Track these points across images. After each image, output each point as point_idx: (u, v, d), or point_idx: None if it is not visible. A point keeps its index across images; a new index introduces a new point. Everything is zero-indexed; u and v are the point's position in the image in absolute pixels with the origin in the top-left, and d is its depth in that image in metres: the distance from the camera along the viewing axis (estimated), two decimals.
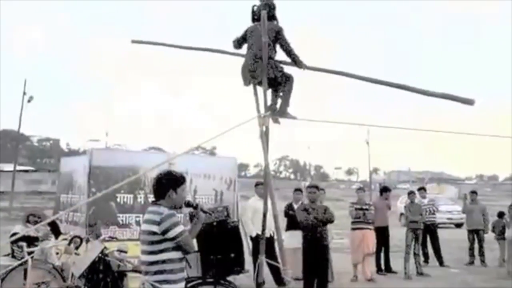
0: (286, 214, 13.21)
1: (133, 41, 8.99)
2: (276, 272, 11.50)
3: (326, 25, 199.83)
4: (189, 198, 6.19)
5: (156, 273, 5.31)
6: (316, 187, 10.96)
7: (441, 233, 16.91)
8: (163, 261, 5.29)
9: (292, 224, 12.78)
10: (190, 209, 5.92)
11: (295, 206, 12.98)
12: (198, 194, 11.87)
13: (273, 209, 7.46)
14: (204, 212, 5.81)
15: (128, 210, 10.94)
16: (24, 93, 36.05)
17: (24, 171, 66.53)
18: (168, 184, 5.49)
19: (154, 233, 5.28)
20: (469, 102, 7.11)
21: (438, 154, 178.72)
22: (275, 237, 11.91)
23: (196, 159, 13.71)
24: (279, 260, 7.93)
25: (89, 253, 7.66)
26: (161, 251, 5.29)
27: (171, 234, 5.25)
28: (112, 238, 9.84)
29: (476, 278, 13.98)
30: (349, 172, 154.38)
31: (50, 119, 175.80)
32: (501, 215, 16.10)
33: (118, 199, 10.93)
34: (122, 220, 10.81)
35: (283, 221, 13.04)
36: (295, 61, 7.88)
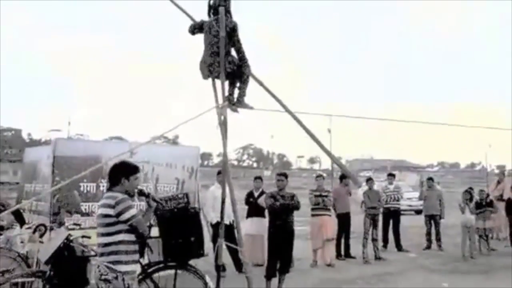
0: (247, 201, 13.45)
1: None
2: (236, 258, 11.75)
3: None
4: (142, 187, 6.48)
5: (110, 254, 5.67)
6: (285, 175, 11.11)
7: (401, 219, 17.26)
8: (117, 243, 5.66)
9: (252, 211, 13.04)
10: (144, 198, 6.26)
11: (256, 194, 13.24)
12: (160, 183, 11.99)
13: (231, 195, 7.68)
14: (155, 201, 6.32)
15: (91, 199, 11.02)
16: None
17: None
18: (121, 172, 5.91)
19: (110, 216, 5.65)
20: (356, 183, 7.55)
21: (400, 142, 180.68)
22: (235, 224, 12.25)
23: (158, 149, 13.83)
24: (239, 244, 8.12)
25: (54, 240, 7.79)
26: (115, 233, 5.67)
27: (125, 216, 5.63)
28: (75, 225, 9.98)
29: (433, 262, 14.36)
30: (312, 160, 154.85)
31: (11, 110, 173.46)
32: None
33: (81, 188, 11.03)
34: (85, 209, 10.89)
35: (243, 209, 13.35)
36: (242, 63, 8.03)
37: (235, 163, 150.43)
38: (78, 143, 14.96)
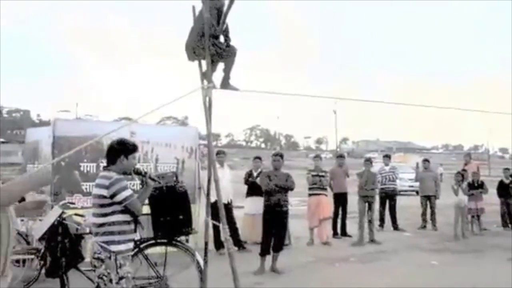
0: (246, 181, 13.70)
1: None
2: (235, 236, 12.05)
3: None
4: (138, 166, 6.60)
5: (104, 234, 5.71)
6: (281, 155, 11.30)
7: (400, 199, 17.63)
8: (111, 223, 5.70)
9: (252, 191, 13.27)
10: (140, 177, 6.25)
11: (255, 174, 13.49)
12: (160, 162, 12.17)
13: (214, 174, 7.80)
14: (152, 179, 6.25)
15: (92, 179, 11.06)
16: None
17: None
18: (120, 150, 5.90)
19: (104, 197, 5.67)
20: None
21: (406, 124, 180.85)
22: (232, 204, 12.51)
23: (158, 129, 14.13)
24: (221, 222, 8.20)
25: (48, 217, 7.97)
26: (109, 214, 5.69)
27: (119, 197, 5.63)
28: (70, 204, 10.14)
29: (425, 241, 14.66)
30: (319, 141, 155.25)
31: (20, 90, 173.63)
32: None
33: (81, 168, 11.21)
34: (86, 188, 11.03)
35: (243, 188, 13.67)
36: (226, 44, 8.02)
37: (243, 143, 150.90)
38: (78, 124, 15.13)
